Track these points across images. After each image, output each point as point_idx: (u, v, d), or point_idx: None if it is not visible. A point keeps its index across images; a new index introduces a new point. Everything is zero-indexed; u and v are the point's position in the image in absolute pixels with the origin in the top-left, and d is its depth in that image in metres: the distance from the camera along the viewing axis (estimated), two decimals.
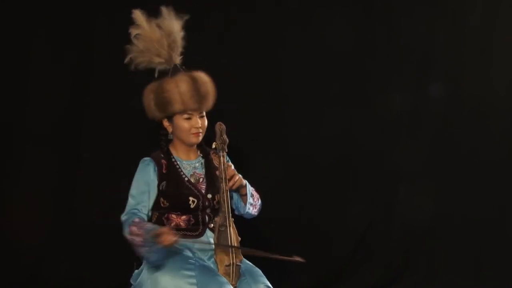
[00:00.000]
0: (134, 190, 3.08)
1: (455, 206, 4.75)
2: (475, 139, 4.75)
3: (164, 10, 3.19)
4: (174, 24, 3.19)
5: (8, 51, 4.53)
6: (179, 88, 3.06)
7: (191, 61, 4.73)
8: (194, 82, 3.09)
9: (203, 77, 3.15)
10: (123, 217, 3.02)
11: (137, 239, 2.88)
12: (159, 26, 3.18)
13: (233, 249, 3.05)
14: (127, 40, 3.27)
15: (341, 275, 4.74)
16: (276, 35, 4.70)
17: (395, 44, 4.77)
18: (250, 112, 4.69)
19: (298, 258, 2.96)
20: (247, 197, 3.15)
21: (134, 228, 2.91)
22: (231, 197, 3.18)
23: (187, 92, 3.06)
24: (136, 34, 3.17)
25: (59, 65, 4.57)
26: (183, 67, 3.19)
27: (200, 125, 3.11)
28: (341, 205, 4.77)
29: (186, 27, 3.25)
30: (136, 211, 3.02)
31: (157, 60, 3.17)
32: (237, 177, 3.09)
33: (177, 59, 3.20)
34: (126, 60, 3.18)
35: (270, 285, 3.08)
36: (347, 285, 4.72)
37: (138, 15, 3.18)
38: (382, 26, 4.76)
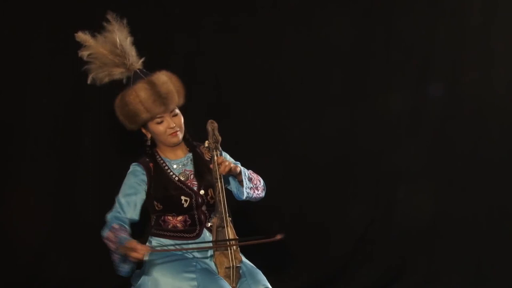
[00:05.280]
0: (120, 193, 3.07)
1: (455, 206, 4.75)
2: (475, 139, 4.75)
3: (106, 23, 3.17)
4: (119, 33, 3.16)
5: (8, 50, 4.53)
6: (139, 97, 3.02)
7: (190, 61, 4.76)
8: (153, 87, 3.04)
9: (161, 77, 3.09)
10: (107, 217, 3.02)
11: (111, 245, 2.90)
12: (106, 39, 3.16)
13: (232, 247, 3.04)
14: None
15: (341, 275, 4.74)
16: (276, 34, 4.70)
17: (395, 44, 4.77)
18: (250, 112, 4.69)
19: (279, 236, 2.94)
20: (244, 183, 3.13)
21: (111, 234, 2.91)
22: (228, 183, 3.16)
23: (148, 99, 3.02)
24: (88, 54, 3.15)
25: (59, 64, 4.57)
26: (144, 70, 3.16)
27: (174, 125, 3.08)
28: (341, 205, 4.77)
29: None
30: (118, 214, 3.01)
31: (117, 71, 3.15)
32: (226, 162, 3.03)
33: (137, 65, 3.17)
34: (89, 81, 3.17)
35: (269, 286, 3.07)
36: (347, 285, 4.72)
37: (81, 36, 3.15)
38: (382, 26, 4.76)
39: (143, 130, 3.12)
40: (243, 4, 4.68)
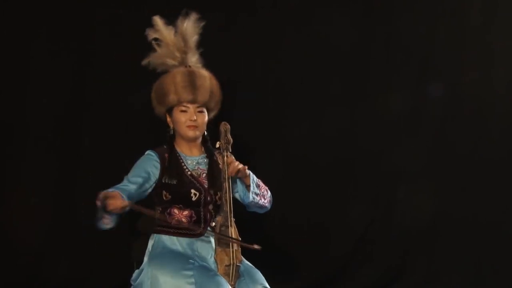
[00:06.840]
0: (130, 173, 3.11)
1: (455, 206, 4.75)
2: (475, 139, 4.75)
3: (181, 15, 3.26)
4: (189, 29, 3.26)
5: (8, 50, 4.53)
6: (174, 79, 3.14)
7: None
8: (190, 74, 3.16)
9: (201, 71, 3.21)
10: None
11: (97, 203, 2.90)
12: (175, 30, 3.26)
13: (233, 247, 3.05)
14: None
15: (341, 275, 4.74)
16: (276, 34, 4.70)
17: (395, 44, 4.78)
18: (250, 112, 4.69)
19: (256, 246, 2.98)
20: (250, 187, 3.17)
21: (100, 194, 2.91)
22: (236, 189, 3.20)
23: (181, 82, 3.13)
24: (154, 38, 3.24)
25: (59, 64, 4.57)
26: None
27: (195, 119, 3.13)
28: (341, 205, 4.77)
29: (202, 32, 3.30)
30: (121, 185, 3.03)
31: (170, 62, 3.24)
32: (236, 163, 3.10)
33: (191, 62, 3.25)
34: (144, 62, 3.26)
35: (268, 286, 3.09)
36: (347, 285, 4.73)
37: (157, 20, 3.26)
38: (382, 26, 4.77)
39: (168, 119, 3.20)
40: (243, 4, 4.68)
